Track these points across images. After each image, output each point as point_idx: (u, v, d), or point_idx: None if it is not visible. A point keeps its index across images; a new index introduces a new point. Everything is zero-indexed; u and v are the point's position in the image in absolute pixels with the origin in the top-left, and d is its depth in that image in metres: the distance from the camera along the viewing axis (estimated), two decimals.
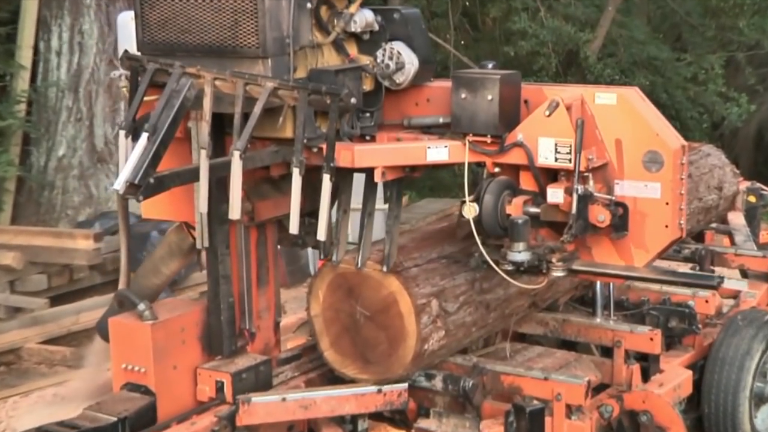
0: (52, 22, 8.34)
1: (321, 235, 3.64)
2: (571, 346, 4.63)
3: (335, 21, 3.82)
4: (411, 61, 3.94)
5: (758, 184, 6.30)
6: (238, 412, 3.72)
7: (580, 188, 3.68)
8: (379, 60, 3.92)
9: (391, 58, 3.91)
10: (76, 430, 3.69)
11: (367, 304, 3.82)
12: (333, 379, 4.05)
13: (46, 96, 8.33)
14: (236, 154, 3.47)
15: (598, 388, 4.20)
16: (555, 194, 3.74)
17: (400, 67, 3.93)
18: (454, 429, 4.02)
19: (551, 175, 3.83)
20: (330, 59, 3.85)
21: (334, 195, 3.81)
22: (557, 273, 3.81)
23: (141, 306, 3.91)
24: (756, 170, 13.89)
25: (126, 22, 3.98)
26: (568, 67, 14.31)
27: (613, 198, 3.76)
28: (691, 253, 5.51)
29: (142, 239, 7.47)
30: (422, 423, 4.06)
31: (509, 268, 3.80)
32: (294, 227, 3.56)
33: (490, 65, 4.02)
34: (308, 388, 3.98)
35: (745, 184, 6.10)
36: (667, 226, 3.76)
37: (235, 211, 3.53)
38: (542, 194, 3.81)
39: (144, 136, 3.42)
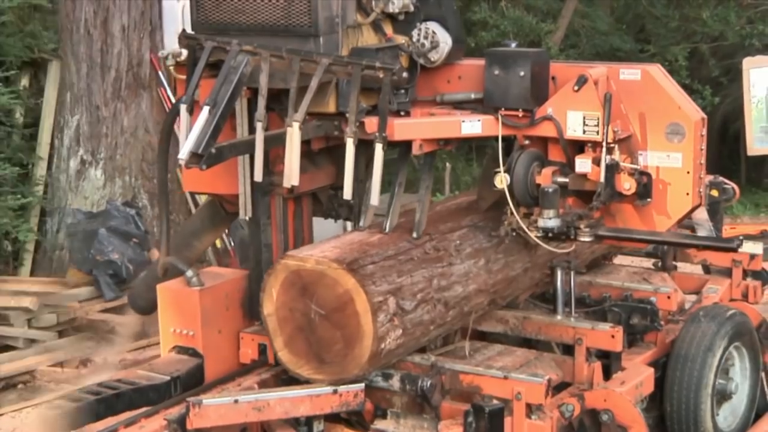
0: (64, 125, 9.40)
1: (375, 200, 4.09)
2: (532, 344, 4.67)
3: (374, 2, 4.26)
4: (445, 41, 4.36)
5: (721, 178, 6.35)
6: (189, 414, 3.79)
7: (607, 158, 4.10)
8: (414, 39, 4.34)
9: (426, 38, 4.33)
10: (134, 387, 4.13)
11: (322, 302, 3.83)
12: (287, 380, 4.09)
13: (59, 180, 9.44)
14: (295, 125, 3.88)
15: (558, 387, 4.29)
16: (583, 164, 4.17)
17: (434, 45, 4.34)
18: (411, 430, 4.07)
19: (577, 147, 4.28)
20: (368, 39, 4.28)
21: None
22: (585, 238, 4.26)
23: (189, 273, 4.38)
24: (721, 164, 14.18)
25: (173, 5, 4.58)
26: None
27: (638, 167, 4.19)
28: (653, 248, 5.63)
29: (90, 236, 8.04)
30: (379, 424, 4.12)
31: (539, 234, 4.24)
32: (348, 193, 3.97)
33: (513, 44, 4.56)
34: (261, 390, 4.07)
35: (708, 178, 6.19)
36: (688, 194, 4.22)
37: (293, 178, 3.94)
38: (570, 165, 4.25)
39: (205, 109, 3.82)
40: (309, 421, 3.95)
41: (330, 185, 4.53)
